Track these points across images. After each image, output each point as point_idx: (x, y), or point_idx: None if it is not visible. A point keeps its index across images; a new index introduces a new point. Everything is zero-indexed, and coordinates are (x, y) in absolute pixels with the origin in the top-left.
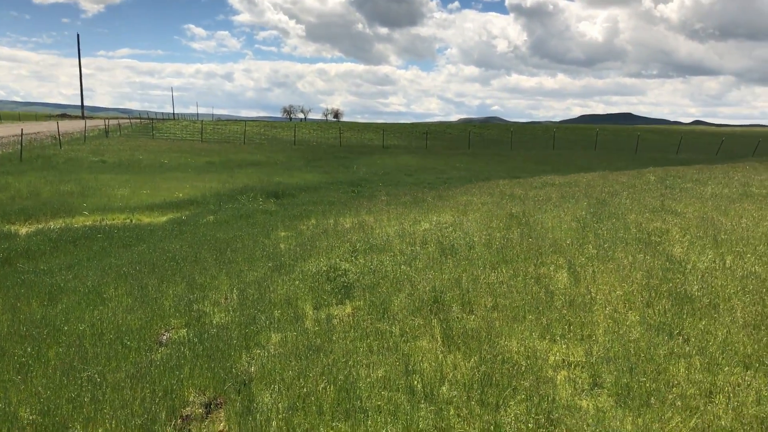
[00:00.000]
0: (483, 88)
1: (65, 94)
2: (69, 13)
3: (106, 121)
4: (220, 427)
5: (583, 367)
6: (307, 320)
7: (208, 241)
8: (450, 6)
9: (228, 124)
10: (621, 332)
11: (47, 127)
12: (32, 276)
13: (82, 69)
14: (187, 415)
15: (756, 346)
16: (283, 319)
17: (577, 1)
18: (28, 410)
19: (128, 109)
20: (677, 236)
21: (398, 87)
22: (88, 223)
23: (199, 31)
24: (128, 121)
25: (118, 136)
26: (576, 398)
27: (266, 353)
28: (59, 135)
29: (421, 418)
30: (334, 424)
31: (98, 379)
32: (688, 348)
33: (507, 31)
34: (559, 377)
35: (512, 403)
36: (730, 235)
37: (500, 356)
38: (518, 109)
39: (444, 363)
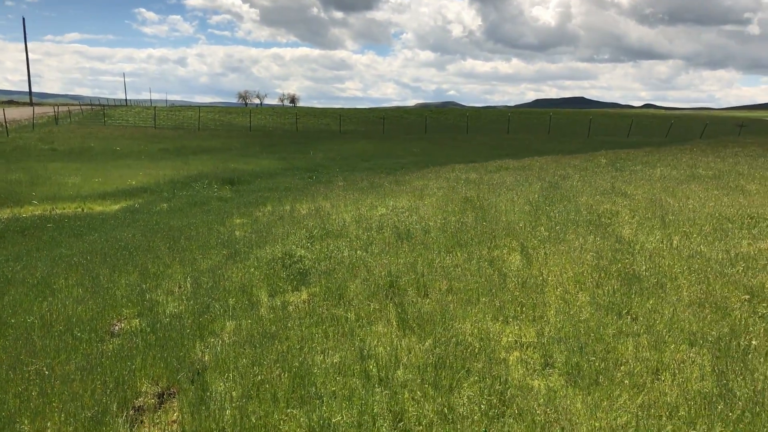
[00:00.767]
0: (439, 73)
1: (11, 80)
2: None
3: (56, 107)
4: (173, 417)
5: (535, 347)
6: (262, 307)
7: (161, 229)
8: None
9: (182, 110)
10: (572, 312)
11: None
12: None
13: (29, 54)
14: (139, 406)
15: (700, 324)
16: (237, 306)
17: None
18: None
19: (79, 95)
20: (626, 218)
21: (354, 72)
22: (37, 213)
23: (151, 15)
24: (79, 107)
25: (68, 123)
26: (528, 378)
27: (220, 342)
28: (6, 122)
29: (375, 403)
30: (288, 410)
31: (47, 372)
32: (636, 327)
33: (462, 15)
34: (511, 358)
35: (465, 384)
36: (677, 216)
37: (454, 339)
38: (474, 94)
39: (399, 347)
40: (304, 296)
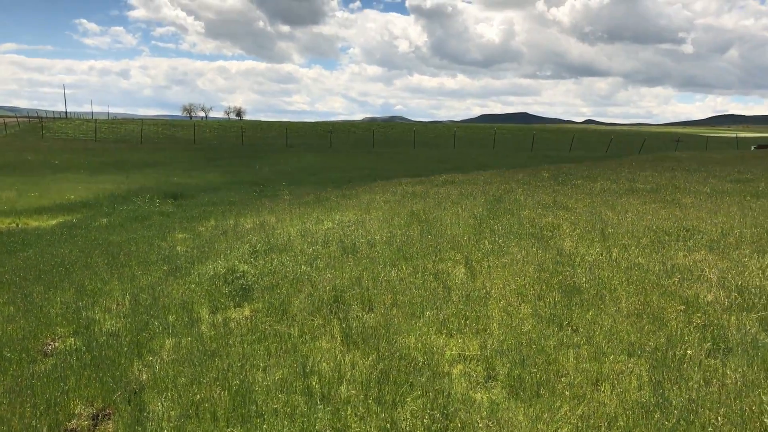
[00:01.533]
0: (386, 88)
1: None
2: None
3: None
4: None
5: (478, 360)
6: (203, 324)
7: (100, 245)
8: (351, 5)
9: (125, 122)
10: (514, 325)
11: None
12: None
13: None
14: (72, 429)
15: (639, 335)
16: (177, 324)
17: (475, 4)
18: None
19: (15, 107)
20: (568, 231)
21: (302, 85)
22: None
23: (92, 26)
24: (15, 119)
25: (3, 136)
26: (471, 392)
27: (159, 360)
28: None
29: (318, 420)
30: (228, 430)
31: None
32: (576, 338)
33: (408, 31)
34: (455, 371)
35: (409, 399)
36: (616, 229)
37: (398, 353)
38: (421, 109)
39: (343, 362)
40: (247, 312)
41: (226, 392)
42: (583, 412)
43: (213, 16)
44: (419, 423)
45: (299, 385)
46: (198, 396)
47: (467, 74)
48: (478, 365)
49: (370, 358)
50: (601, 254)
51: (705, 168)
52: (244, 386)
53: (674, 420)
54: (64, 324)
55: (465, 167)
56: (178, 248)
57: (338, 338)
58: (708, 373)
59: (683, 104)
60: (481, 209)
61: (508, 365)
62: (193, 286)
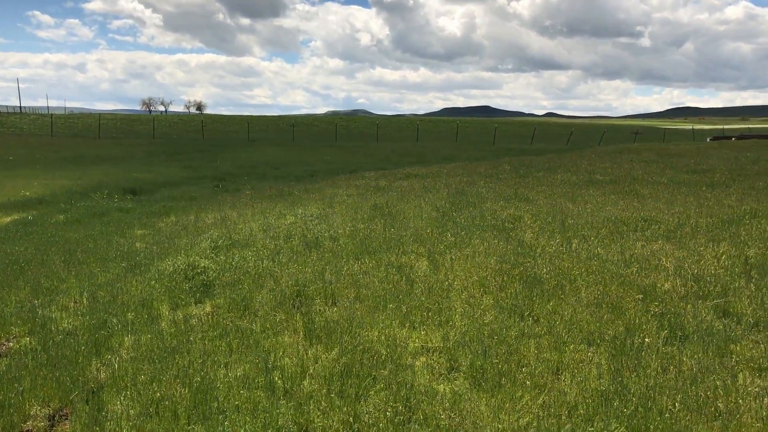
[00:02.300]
0: (349, 81)
1: None
2: None
3: None
4: None
5: (441, 352)
6: (162, 321)
7: (56, 242)
8: None
9: (82, 117)
10: (476, 316)
11: None
12: None
13: None
14: (28, 430)
15: (598, 324)
16: (136, 321)
17: None
18: None
19: None
20: (529, 222)
21: (263, 79)
22: None
23: (46, 18)
24: None
25: None
26: (434, 383)
27: (118, 358)
28: None
29: (280, 415)
30: (189, 427)
31: None
32: (537, 328)
33: (369, 24)
34: (418, 364)
35: (372, 392)
36: (576, 220)
37: (361, 347)
38: (383, 102)
39: (305, 357)
40: (208, 308)
41: (187, 389)
42: (544, 401)
43: (171, 8)
44: (382, 416)
45: (261, 381)
46: (158, 394)
47: (429, 67)
48: (440, 357)
49: (333, 352)
50: (562, 245)
51: (662, 159)
52: (205, 383)
53: (633, 407)
54: (18, 323)
55: (428, 160)
56: (138, 245)
57: (301, 333)
58: (665, 361)
59: (642, 97)
60: (443, 202)
61: (470, 356)
62: (153, 282)
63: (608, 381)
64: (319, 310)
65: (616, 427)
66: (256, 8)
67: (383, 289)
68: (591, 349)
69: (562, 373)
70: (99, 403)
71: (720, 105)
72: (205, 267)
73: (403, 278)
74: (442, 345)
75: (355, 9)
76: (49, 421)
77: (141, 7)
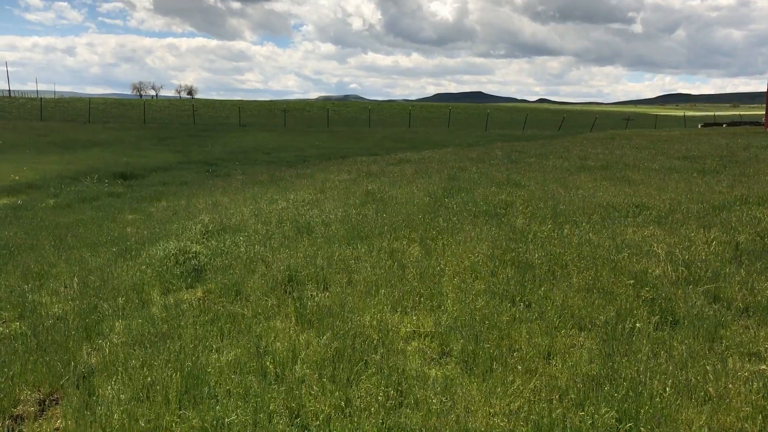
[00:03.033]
0: (340, 66)
1: None
2: None
3: None
4: (56, 425)
5: (432, 337)
6: (154, 306)
7: (47, 226)
8: None
9: (72, 101)
10: (468, 301)
11: None
12: None
13: None
14: (18, 415)
15: (589, 309)
16: (127, 306)
17: None
18: None
19: None
20: (520, 208)
21: (254, 63)
22: None
23: (35, 1)
24: None
25: None
26: (425, 368)
27: (109, 343)
28: None
29: (272, 400)
30: (180, 412)
31: None
32: (529, 313)
33: (361, 9)
34: (409, 348)
35: (363, 377)
36: (568, 206)
37: (353, 331)
38: (375, 88)
39: (297, 342)
40: (199, 293)
41: (179, 374)
42: (535, 386)
43: None
44: (374, 400)
45: (253, 366)
46: (149, 378)
47: (421, 53)
48: (432, 342)
49: (325, 337)
50: (553, 231)
51: (654, 146)
52: (196, 368)
53: (623, 391)
54: (8, 308)
55: (420, 146)
56: (128, 229)
57: (293, 318)
58: (656, 346)
59: (633, 83)
60: (435, 188)
61: (461, 341)
62: (144, 267)
63: (599, 366)
64: (311, 295)
65: (606, 411)
66: None
67: (375, 275)
68: (582, 334)
69: (553, 357)
70: (90, 388)
71: (711, 92)
72: (196, 252)
73: (395, 264)
74: (433, 330)
75: None
76: (40, 405)
77: None
